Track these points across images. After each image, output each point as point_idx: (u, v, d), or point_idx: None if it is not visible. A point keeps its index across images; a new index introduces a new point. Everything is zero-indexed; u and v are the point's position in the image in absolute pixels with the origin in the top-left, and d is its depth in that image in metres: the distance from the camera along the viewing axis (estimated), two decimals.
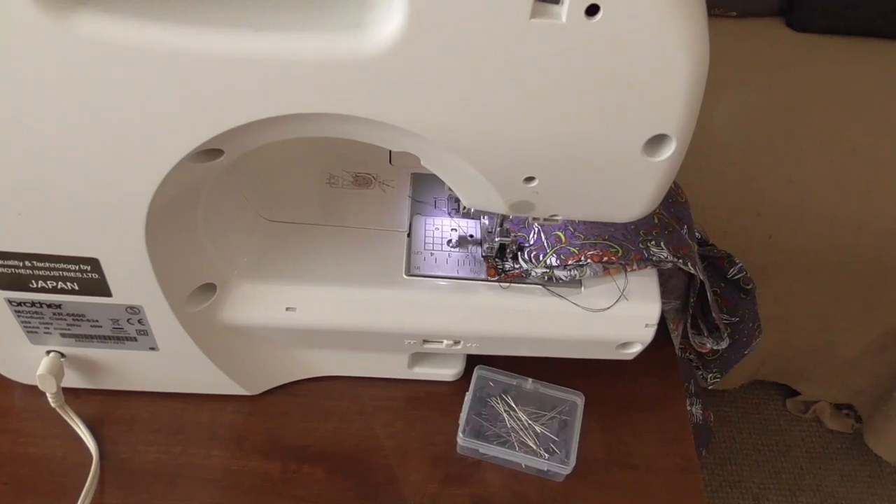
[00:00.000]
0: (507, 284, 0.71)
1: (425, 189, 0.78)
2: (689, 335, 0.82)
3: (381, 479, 0.73)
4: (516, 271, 0.71)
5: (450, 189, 0.60)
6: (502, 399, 0.76)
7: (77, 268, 0.60)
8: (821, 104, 1.63)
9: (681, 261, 0.71)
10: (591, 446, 0.76)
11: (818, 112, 1.62)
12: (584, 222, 0.71)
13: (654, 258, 0.70)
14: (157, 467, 0.72)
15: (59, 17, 0.43)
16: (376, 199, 0.77)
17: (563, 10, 0.43)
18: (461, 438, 0.73)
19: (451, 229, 0.75)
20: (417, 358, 0.79)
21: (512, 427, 0.74)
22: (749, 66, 1.68)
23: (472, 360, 0.78)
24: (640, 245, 0.71)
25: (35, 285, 0.62)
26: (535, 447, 0.73)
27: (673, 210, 0.77)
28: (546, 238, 0.71)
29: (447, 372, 0.80)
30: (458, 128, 0.49)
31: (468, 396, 0.75)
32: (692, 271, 0.72)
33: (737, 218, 1.50)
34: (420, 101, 0.48)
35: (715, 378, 0.92)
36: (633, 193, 0.56)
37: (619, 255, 0.70)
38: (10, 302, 0.64)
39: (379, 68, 0.46)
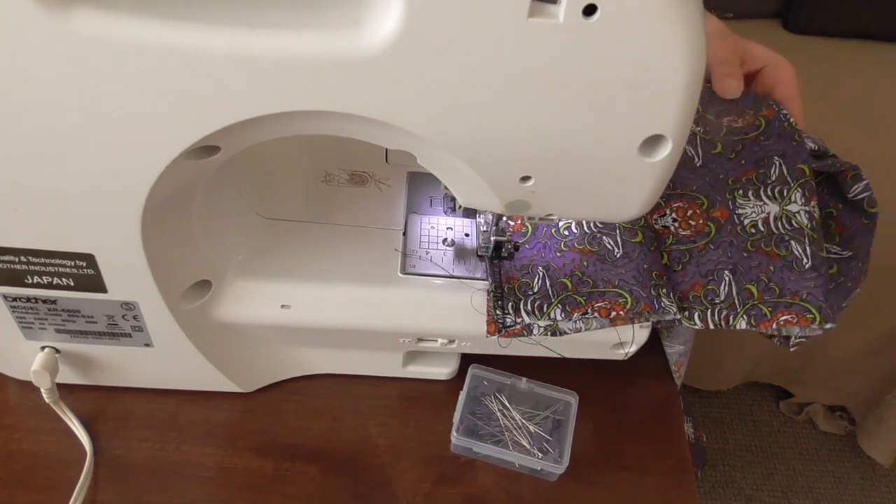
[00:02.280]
0: (508, 342, 0.70)
1: (421, 187, 0.78)
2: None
3: (374, 478, 0.73)
4: (518, 327, 0.68)
5: (446, 188, 0.60)
6: (496, 398, 0.76)
7: (72, 263, 0.60)
8: (816, 106, 1.63)
9: (686, 314, 0.68)
10: (584, 446, 0.76)
11: (813, 114, 1.61)
12: (594, 265, 0.70)
13: (663, 309, 0.67)
14: (150, 464, 0.72)
15: (56, 13, 0.43)
16: (372, 198, 0.77)
17: (561, 10, 0.43)
18: (455, 437, 0.73)
19: (447, 228, 0.75)
20: (412, 356, 0.79)
21: (506, 426, 0.74)
22: None
23: (467, 359, 0.78)
24: (652, 291, 0.68)
25: (30, 281, 0.62)
26: (528, 446, 0.73)
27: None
28: (552, 285, 0.69)
29: (441, 371, 0.80)
30: (455, 127, 0.49)
31: (462, 395, 0.75)
32: (697, 326, 0.69)
33: None
34: (416, 100, 0.48)
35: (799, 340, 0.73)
36: (628, 194, 0.56)
37: (628, 307, 0.67)
38: (5, 297, 0.64)
39: (375, 67, 0.46)
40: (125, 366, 0.73)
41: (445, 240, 0.74)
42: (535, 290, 0.69)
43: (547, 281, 0.69)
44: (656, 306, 0.67)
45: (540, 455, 0.73)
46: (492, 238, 0.70)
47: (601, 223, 0.72)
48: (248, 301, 0.69)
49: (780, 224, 0.70)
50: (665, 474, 0.76)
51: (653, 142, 0.51)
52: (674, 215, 0.72)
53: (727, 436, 1.87)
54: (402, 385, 0.80)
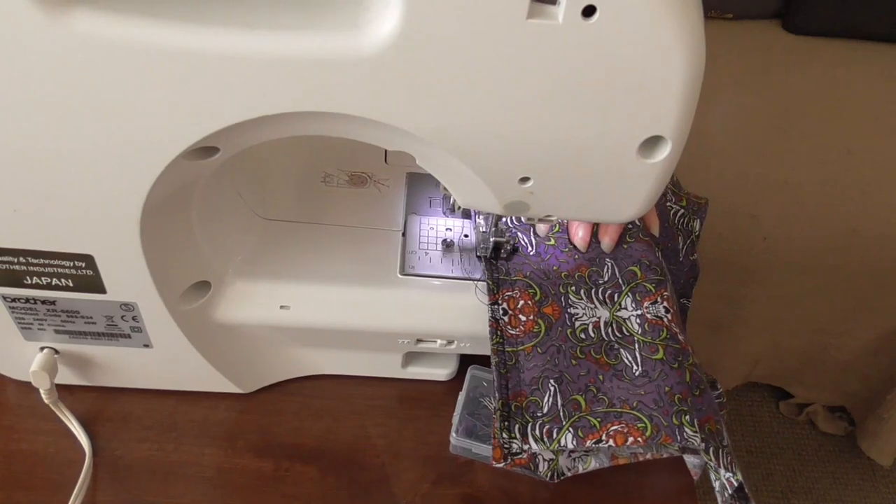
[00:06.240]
0: (520, 470, 0.66)
1: (420, 188, 0.78)
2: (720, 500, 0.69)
3: (373, 478, 0.73)
4: (524, 457, 0.63)
5: (445, 188, 0.60)
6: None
7: (72, 264, 0.60)
8: (816, 106, 1.63)
9: (703, 445, 0.61)
10: None
11: (813, 114, 1.62)
12: (610, 380, 0.65)
13: (686, 441, 0.61)
14: (149, 464, 0.72)
15: (55, 14, 0.43)
16: (371, 199, 0.77)
17: (560, 11, 0.43)
18: (454, 438, 0.73)
19: (446, 229, 0.75)
20: (411, 357, 0.79)
21: None
22: (745, 69, 1.68)
23: (466, 360, 0.78)
24: (674, 420, 0.61)
25: (29, 281, 0.62)
26: None
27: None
28: (563, 404, 0.64)
29: (440, 371, 0.80)
30: (454, 128, 0.49)
31: (461, 396, 0.75)
32: (711, 462, 0.62)
33: (731, 220, 1.50)
34: (415, 101, 0.48)
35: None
36: (627, 195, 0.56)
37: (648, 433, 0.61)
38: (4, 298, 0.64)
39: (375, 68, 0.46)
40: (124, 366, 0.73)
41: (445, 241, 0.74)
42: (545, 410, 0.64)
43: (559, 398, 0.64)
44: (678, 437, 0.61)
45: None
46: (490, 239, 0.70)
47: (619, 332, 0.68)
48: (247, 302, 0.69)
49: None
50: (664, 474, 0.76)
51: (652, 143, 0.51)
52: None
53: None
54: (401, 386, 0.80)
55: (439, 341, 0.73)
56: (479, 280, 0.71)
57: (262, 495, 0.71)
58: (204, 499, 0.70)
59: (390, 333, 0.71)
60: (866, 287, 1.55)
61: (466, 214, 0.76)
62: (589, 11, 0.43)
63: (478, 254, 0.73)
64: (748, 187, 1.52)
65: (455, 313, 0.71)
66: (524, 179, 0.54)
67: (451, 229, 0.75)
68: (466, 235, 0.75)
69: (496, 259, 0.71)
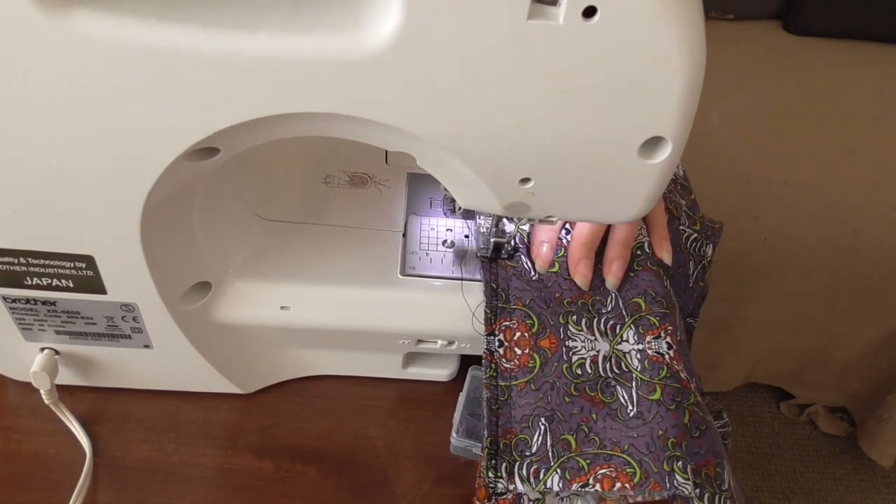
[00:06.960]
0: None
1: (421, 189, 0.78)
2: None
3: (373, 479, 0.73)
4: (509, 497, 0.62)
5: (445, 189, 0.60)
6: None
7: (72, 265, 0.60)
8: (816, 107, 1.63)
9: (696, 492, 0.60)
10: None
11: (813, 115, 1.62)
12: (604, 419, 0.64)
13: (678, 490, 0.59)
14: (150, 465, 0.72)
15: (55, 15, 0.43)
16: (372, 199, 0.77)
17: (561, 12, 0.43)
18: (454, 438, 0.73)
19: (447, 230, 0.75)
20: (411, 358, 0.79)
21: None
22: (746, 69, 1.68)
23: (466, 361, 0.78)
24: (665, 466, 0.60)
25: (30, 282, 0.62)
26: None
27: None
28: (553, 444, 0.62)
29: (441, 372, 0.80)
30: (454, 129, 0.49)
31: (462, 396, 0.75)
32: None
33: (732, 220, 1.49)
34: (416, 102, 0.48)
35: None
36: (628, 195, 0.56)
37: (636, 480, 0.60)
38: (4, 299, 0.64)
39: (375, 68, 0.46)
40: (124, 367, 0.73)
41: (445, 241, 0.74)
42: (534, 449, 0.62)
43: (548, 438, 0.63)
44: (667, 485, 0.60)
45: None
46: (491, 240, 0.70)
47: (618, 368, 0.66)
48: (247, 302, 0.69)
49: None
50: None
51: (652, 143, 0.51)
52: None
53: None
54: (401, 386, 0.80)
55: (440, 342, 0.73)
56: (478, 280, 0.71)
57: (263, 496, 0.71)
58: (204, 499, 0.70)
59: (391, 334, 0.71)
60: (867, 288, 1.55)
61: (467, 215, 0.76)
62: (589, 12, 0.43)
63: (478, 254, 0.73)
64: (749, 187, 1.52)
65: (456, 314, 0.70)
66: (525, 180, 0.54)
67: (451, 230, 0.75)
68: (467, 236, 0.75)
69: (497, 258, 0.71)
